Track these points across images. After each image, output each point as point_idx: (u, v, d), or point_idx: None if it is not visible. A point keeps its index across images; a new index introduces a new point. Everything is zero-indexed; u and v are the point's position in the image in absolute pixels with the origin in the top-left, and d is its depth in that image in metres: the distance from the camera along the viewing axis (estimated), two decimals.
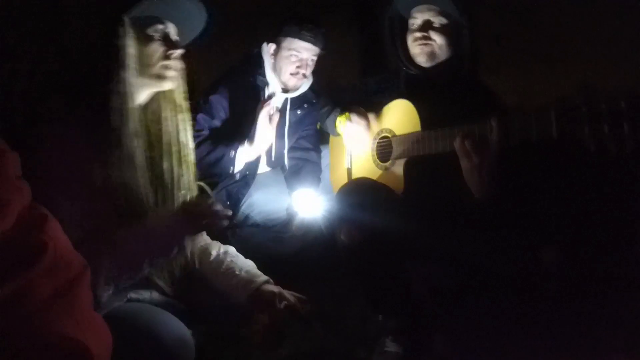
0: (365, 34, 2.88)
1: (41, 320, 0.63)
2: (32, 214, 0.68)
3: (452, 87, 1.59)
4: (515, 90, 2.19)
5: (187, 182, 1.23)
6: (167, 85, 1.18)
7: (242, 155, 1.99)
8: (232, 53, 2.31)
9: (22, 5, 1.04)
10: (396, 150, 1.63)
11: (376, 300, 1.57)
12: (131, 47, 1.07)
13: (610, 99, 1.10)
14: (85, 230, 0.98)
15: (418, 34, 1.60)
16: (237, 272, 1.25)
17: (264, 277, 1.25)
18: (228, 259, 1.29)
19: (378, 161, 1.73)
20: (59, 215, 0.71)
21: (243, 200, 2.07)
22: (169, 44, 1.16)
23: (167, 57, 1.15)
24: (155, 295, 1.18)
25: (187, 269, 1.28)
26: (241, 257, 1.32)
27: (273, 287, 1.23)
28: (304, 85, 2.15)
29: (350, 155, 1.89)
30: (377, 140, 1.74)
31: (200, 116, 2.02)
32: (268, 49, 2.10)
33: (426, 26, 1.59)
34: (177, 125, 1.22)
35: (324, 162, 2.23)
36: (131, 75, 1.07)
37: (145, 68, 1.12)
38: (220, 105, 2.05)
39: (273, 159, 2.16)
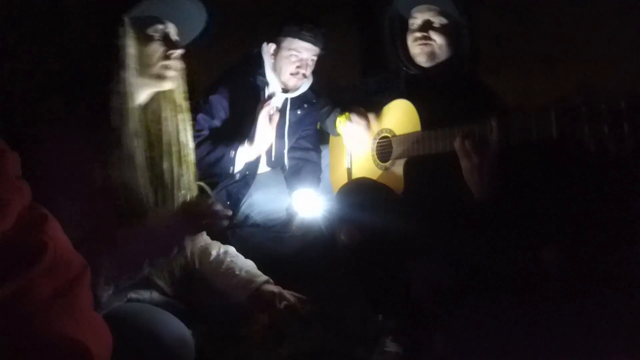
0: (365, 34, 2.88)
1: (41, 320, 0.63)
2: (32, 214, 0.68)
3: (452, 87, 1.59)
4: (515, 90, 2.19)
5: (187, 182, 1.23)
6: (167, 85, 1.18)
7: (242, 155, 1.99)
8: (232, 53, 2.31)
9: (22, 5, 1.04)
10: (396, 150, 1.63)
11: (376, 300, 1.57)
12: (131, 47, 1.07)
13: (610, 99, 1.10)
14: (85, 230, 0.98)
15: (418, 34, 1.60)
16: (237, 272, 1.25)
17: (263, 277, 1.25)
18: (228, 259, 1.29)
19: (378, 161, 1.73)
20: (59, 215, 0.71)
21: (243, 200, 2.07)
22: (169, 44, 1.16)
23: (167, 57, 1.15)
24: (155, 295, 1.18)
25: (187, 269, 1.28)
26: (241, 257, 1.32)
27: (273, 287, 1.23)
28: (304, 85, 2.15)
29: (350, 155, 1.89)
30: (377, 140, 1.74)
31: (200, 116, 2.02)
32: (268, 49, 2.10)
33: (426, 26, 1.59)
34: (177, 125, 1.22)
35: (324, 162, 2.23)
36: (131, 75, 1.07)
37: (145, 68, 1.12)
38: (220, 105, 2.05)
39: (273, 159, 2.16)
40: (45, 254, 0.65)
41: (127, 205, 1.07)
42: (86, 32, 1.05)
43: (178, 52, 1.17)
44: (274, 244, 2.01)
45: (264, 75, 2.10)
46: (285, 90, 2.11)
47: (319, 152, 2.25)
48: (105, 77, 1.04)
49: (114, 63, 1.05)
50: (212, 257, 1.29)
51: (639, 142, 1.08)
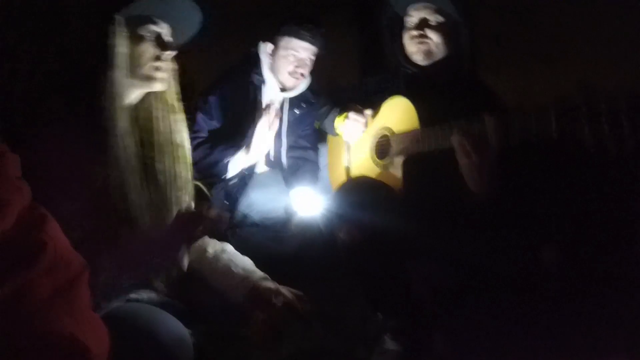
0: (365, 34, 2.88)
1: (41, 319, 0.63)
2: (32, 214, 0.68)
3: (451, 86, 1.59)
4: (515, 90, 2.19)
5: (184, 183, 1.23)
6: (157, 87, 1.17)
7: (238, 163, 1.98)
8: (232, 53, 2.31)
9: (22, 5, 1.04)
10: (395, 148, 1.63)
11: (376, 300, 1.57)
12: (122, 47, 1.06)
13: (610, 99, 1.10)
14: (85, 230, 0.98)
15: (414, 32, 1.60)
16: (233, 270, 1.25)
17: (260, 274, 1.25)
18: (225, 257, 1.29)
19: (377, 159, 1.73)
20: (58, 215, 0.71)
21: (241, 200, 2.07)
22: (160, 44, 1.15)
23: (157, 58, 1.14)
24: (154, 295, 1.18)
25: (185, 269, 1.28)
26: (239, 254, 1.32)
27: (270, 284, 1.23)
28: (302, 85, 2.15)
29: (349, 154, 1.89)
30: (376, 139, 1.74)
31: (199, 117, 2.01)
32: (265, 48, 2.10)
33: (422, 24, 1.59)
34: (170, 126, 1.21)
35: (322, 161, 2.23)
36: (121, 75, 1.06)
37: (134, 68, 1.11)
38: (219, 105, 2.04)
39: (271, 158, 2.16)
40: (45, 254, 0.65)
41: (124, 205, 1.07)
42: (86, 32, 1.05)
43: (168, 53, 1.16)
44: (273, 243, 2.00)
45: (261, 74, 2.09)
46: (283, 90, 2.11)
47: (317, 151, 2.25)
48: (96, 76, 1.04)
49: (104, 62, 1.04)
50: (209, 255, 1.29)
51: (639, 142, 1.08)
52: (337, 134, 1.88)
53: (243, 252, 1.34)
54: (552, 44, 2.35)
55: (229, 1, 2.47)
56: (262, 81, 2.09)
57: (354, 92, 1.93)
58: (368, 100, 1.79)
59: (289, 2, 2.54)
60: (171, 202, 1.20)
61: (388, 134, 1.68)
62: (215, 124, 2.04)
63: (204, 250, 1.30)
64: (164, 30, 1.16)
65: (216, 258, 1.29)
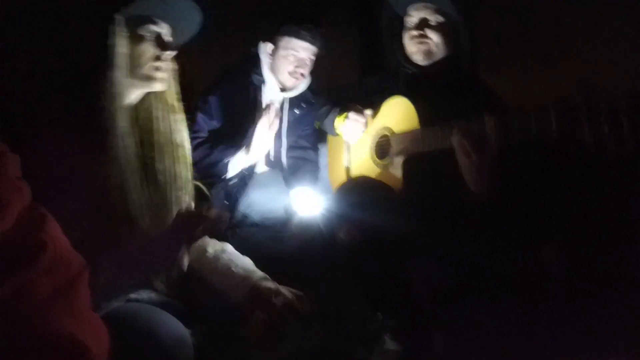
0: (365, 34, 2.88)
1: (41, 319, 0.63)
2: (32, 214, 0.68)
3: (451, 86, 1.59)
4: (515, 90, 2.19)
5: (184, 183, 1.23)
6: (157, 87, 1.17)
7: (238, 163, 1.98)
8: (232, 53, 2.31)
9: (22, 5, 1.04)
10: (395, 148, 1.63)
11: (376, 300, 1.57)
12: (121, 47, 1.06)
13: (610, 99, 1.10)
14: (85, 230, 0.98)
15: (414, 32, 1.60)
16: (233, 270, 1.25)
17: (260, 273, 1.25)
18: (225, 257, 1.28)
19: (377, 159, 1.73)
20: (58, 216, 0.71)
21: (241, 200, 2.07)
22: (160, 44, 1.15)
23: (157, 58, 1.14)
24: (154, 295, 1.18)
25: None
26: (238, 254, 1.32)
27: (270, 284, 1.23)
28: (302, 85, 2.15)
29: (349, 154, 1.89)
30: (376, 139, 1.74)
31: (199, 117, 2.01)
32: (265, 48, 2.10)
33: (422, 24, 1.59)
34: (170, 126, 1.21)
35: (322, 161, 2.23)
36: (121, 74, 1.06)
37: (134, 68, 1.11)
38: (219, 105, 2.04)
39: (271, 158, 2.16)
40: (44, 254, 0.65)
41: (123, 205, 1.07)
42: (86, 32, 1.05)
43: (168, 53, 1.16)
44: (273, 243, 2.00)
45: (261, 74, 2.09)
46: (283, 90, 2.11)
47: (317, 151, 2.25)
48: (96, 77, 1.04)
49: (104, 62, 1.04)
50: (209, 255, 1.29)
51: (639, 142, 1.08)
52: (337, 134, 1.88)
53: (243, 252, 1.34)
54: (552, 44, 2.35)
55: (229, 1, 2.47)
56: (262, 81, 2.09)
57: (354, 92, 1.93)
58: (368, 100, 1.79)
59: (289, 2, 2.54)
60: (171, 202, 1.20)
61: (388, 134, 1.68)
62: (215, 124, 2.05)
63: (204, 250, 1.30)
64: (164, 30, 1.16)
65: (216, 258, 1.28)
